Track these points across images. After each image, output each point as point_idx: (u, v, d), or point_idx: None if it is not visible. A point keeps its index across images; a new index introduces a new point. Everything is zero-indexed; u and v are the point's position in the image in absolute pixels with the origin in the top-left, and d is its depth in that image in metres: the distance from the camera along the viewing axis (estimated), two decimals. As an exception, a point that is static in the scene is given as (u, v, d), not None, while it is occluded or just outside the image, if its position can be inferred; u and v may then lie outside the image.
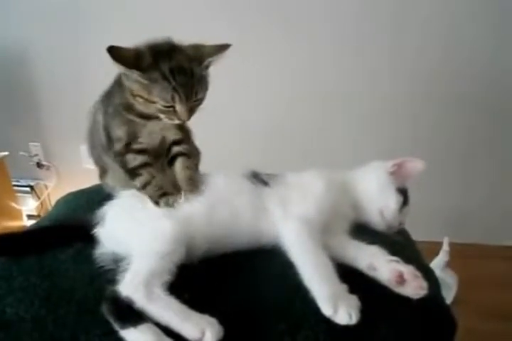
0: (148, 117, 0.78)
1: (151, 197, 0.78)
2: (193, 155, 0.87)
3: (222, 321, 0.59)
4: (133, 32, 1.81)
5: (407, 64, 1.78)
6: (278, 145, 1.95)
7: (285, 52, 1.81)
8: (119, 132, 0.80)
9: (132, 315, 0.61)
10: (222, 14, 1.78)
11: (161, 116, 0.74)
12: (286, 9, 1.77)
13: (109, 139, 0.82)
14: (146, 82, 0.70)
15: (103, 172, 0.92)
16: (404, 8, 1.71)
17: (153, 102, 0.72)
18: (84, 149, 2.09)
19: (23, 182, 2.24)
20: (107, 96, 0.83)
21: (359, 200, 0.82)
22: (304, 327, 0.63)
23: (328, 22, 1.76)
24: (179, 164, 0.84)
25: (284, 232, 0.72)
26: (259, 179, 0.80)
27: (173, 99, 0.71)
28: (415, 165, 0.83)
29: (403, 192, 0.82)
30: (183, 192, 0.78)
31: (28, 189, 2.24)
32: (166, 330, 0.60)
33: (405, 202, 0.82)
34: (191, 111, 0.74)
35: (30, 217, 2.22)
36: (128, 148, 0.80)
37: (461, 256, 1.61)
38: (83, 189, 1.06)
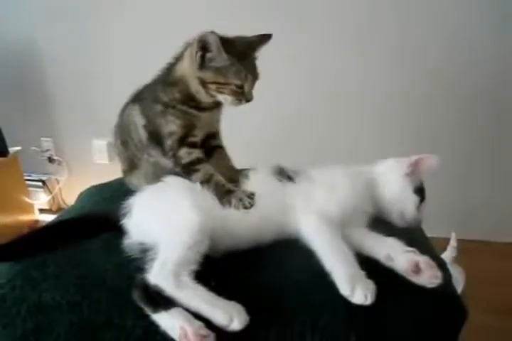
0: (203, 109, 0.86)
1: (215, 195, 0.80)
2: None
3: (247, 307, 0.63)
4: (145, 25, 1.86)
5: (410, 64, 1.80)
6: (284, 146, 1.97)
7: (293, 52, 1.82)
8: (173, 127, 0.84)
9: (163, 301, 0.64)
10: (226, 15, 1.79)
11: (230, 99, 0.82)
12: (295, 10, 1.78)
13: (156, 137, 0.86)
14: (228, 62, 0.79)
15: (130, 169, 0.94)
16: (407, 8, 1.73)
17: (229, 84, 0.80)
18: (95, 144, 2.15)
19: (35, 177, 2.27)
20: (148, 97, 0.87)
21: (379, 201, 0.84)
22: (324, 313, 0.66)
23: (335, 22, 1.79)
24: (218, 155, 0.90)
25: (304, 224, 0.75)
26: (284, 175, 0.83)
27: (246, 77, 0.81)
28: (430, 162, 0.84)
29: (420, 189, 0.85)
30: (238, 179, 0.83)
31: (39, 183, 2.26)
32: (195, 315, 0.63)
33: (422, 199, 0.84)
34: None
35: (41, 211, 2.26)
36: (181, 142, 0.84)
37: (467, 252, 1.63)
38: (106, 182, 1.09)
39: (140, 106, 0.88)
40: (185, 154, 0.84)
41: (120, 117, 0.94)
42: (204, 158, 0.85)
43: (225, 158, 0.91)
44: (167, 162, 0.87)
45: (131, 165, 0.94)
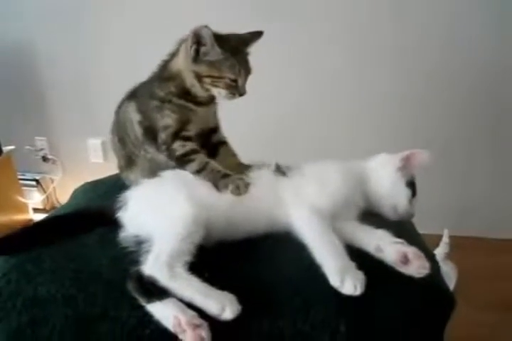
0: (200, 103, 0.87)
1: (211, 181, 0.81)
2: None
3: (239, 298, 0.64)
4: (144, 26, 1.86)
5: (408, 64, 1.82)
6: (280, 144, 1.98)
7: (290, 51, 1.84)
8: (168, 120, 0.85)
9: (157, 291, 0.65)
10: (225, 15, 1.80)
11: (224, 93, 0.84)
12: (293, 10, 1.80)
13: (152, 133, 0.87)
14: (221, 56, 0.81)
15: (127, 165, 0.95)
16: (406, 8, 1.75)
17: (223, 78, 0.83)
18: (91, 143, 2.16)
19: (29, 176, 2.26)
20: (144, 94, 0.89)
21: (371, 195, 0.86)
22: (315, 304, 0.68)
23: (333, 22, 1.80)
24: (224, 152, 0.91)
25: (295, 217, 0.77)
26: (279, 170, 0.84)
27: (239, 72, 0.83)
28: (421, 157, 0.86)
29: (412, 184, 0.86)
30: (245, 173, 0.83)
31: (33, 183, 2.26)
32: (188, 306, 0.64)
33: (414, 193, 0.86)
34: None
35: (35, 210, 2.25)
36: (175, 136, 0.85)
37: (462, 248, 1.64)
38: (100, 179, 1.09)
39: (136, 103, 0.89)
40: (179, 147, 0.85)
41: (116, 114, 0.95)
42: (198, 149, 0.86)
43: (230, 154, 0.92)
44: (163, 157, 0.88)
45: (128, 162, 0.95)
